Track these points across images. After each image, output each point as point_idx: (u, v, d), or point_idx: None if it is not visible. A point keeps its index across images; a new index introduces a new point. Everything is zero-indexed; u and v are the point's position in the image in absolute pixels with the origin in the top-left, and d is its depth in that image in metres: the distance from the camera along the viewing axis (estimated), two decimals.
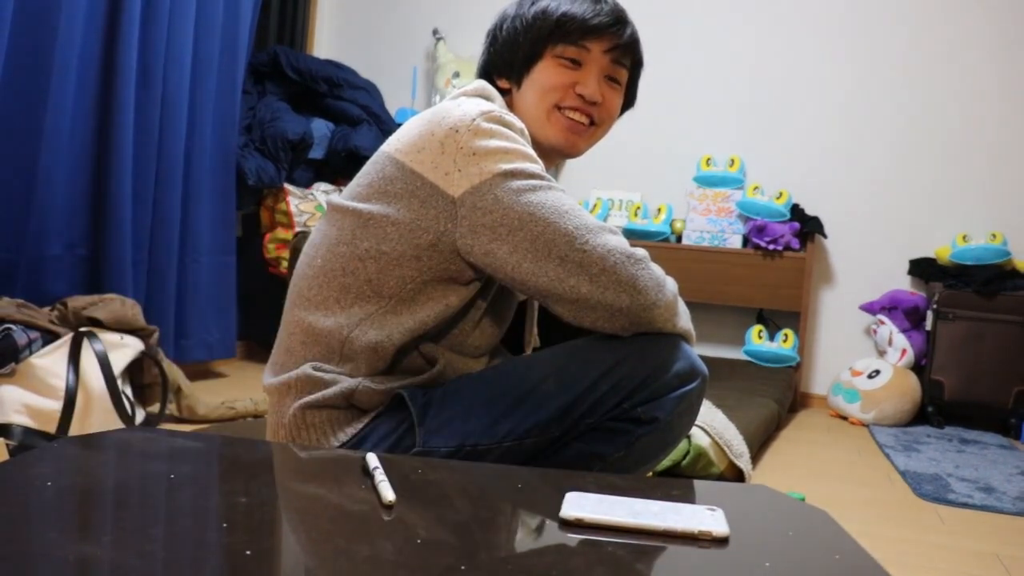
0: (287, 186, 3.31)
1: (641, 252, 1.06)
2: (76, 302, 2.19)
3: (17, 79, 2.29)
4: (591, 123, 1.20)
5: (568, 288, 1.02)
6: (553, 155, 1.22)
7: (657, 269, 1.07)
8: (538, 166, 1.07)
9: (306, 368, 1.06)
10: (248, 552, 0.62)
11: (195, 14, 2.85)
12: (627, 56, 1.21)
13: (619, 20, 1.18)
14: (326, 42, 4.14)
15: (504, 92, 1.22)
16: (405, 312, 1.06)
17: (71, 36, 2.38)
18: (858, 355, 3.46)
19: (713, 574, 0.67)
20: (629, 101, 1.28)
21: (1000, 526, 1.99)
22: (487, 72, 1.24)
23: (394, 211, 1.05)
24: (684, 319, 1.12)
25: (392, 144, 1.10)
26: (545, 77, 1.17)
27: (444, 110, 1.08)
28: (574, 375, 1.05)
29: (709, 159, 3.53)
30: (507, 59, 1.20)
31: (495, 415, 1.03)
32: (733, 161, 3.50)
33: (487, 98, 1.16)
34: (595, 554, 0.67)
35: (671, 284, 1.09)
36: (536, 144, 1.16)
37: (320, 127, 3.45)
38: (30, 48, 2.31)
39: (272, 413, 1.11)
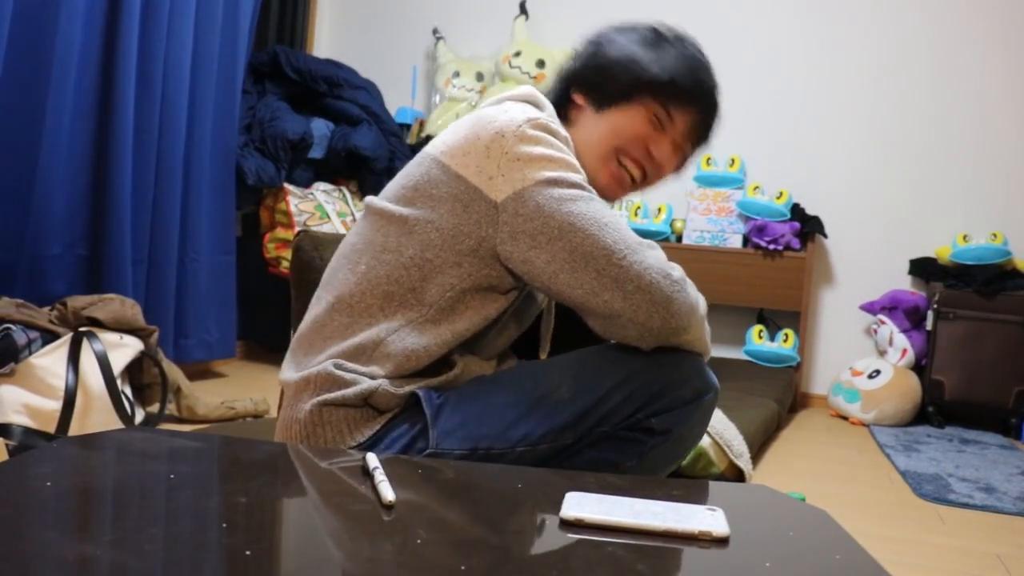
0: (287, 186, 3.31)
1: (678, 273, 1.05)
2: (76, 302, 2.19)
3: (16, 79, 2.28)
4: (643, 178, 1.20)
5: (601, 302, 1.02)
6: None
7: (693, 290, 1.06)
8: (581, 176, 1.07)
9: (328, 365, 1.06)
10: (248, 552, 0.62)
11: (195, 14, 2.85)
12: (703, 138, 1.23)
13: (715, 105, 1.20)
14: (326, 42, 4.14)
15: (572, 105, 1.21)
16: (444, 322, 1.06)
17: (71, 36, 2.38)
18: (858, 355, 3.46)
19: (713, 574, 0.67)
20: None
21: (1000, 526, 1.99)
22: (569, 81, 1.22)
23: (437, 216, 1.05)
24: (707, 338, 1.12)
25: (437, 147, 1.10)
26: (627, 122, 1.16)
27: (490, 115, 1.08)
28: (590, 383, 1.05)
29: (709, 159, 3.53)
30: (599, 83, 1.18)
31: (509, 419, 1.03)
32: (733, 161, 3.50)
33: (535, 105, 1.15)
34: (595, 554, 0.67)
35: (703, 306, 1.09)
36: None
37: (320, 127, 3.45)
38: (29, 47, 2.31)
39: (286, 408, 1.10)
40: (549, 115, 1.13)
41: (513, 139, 1.04)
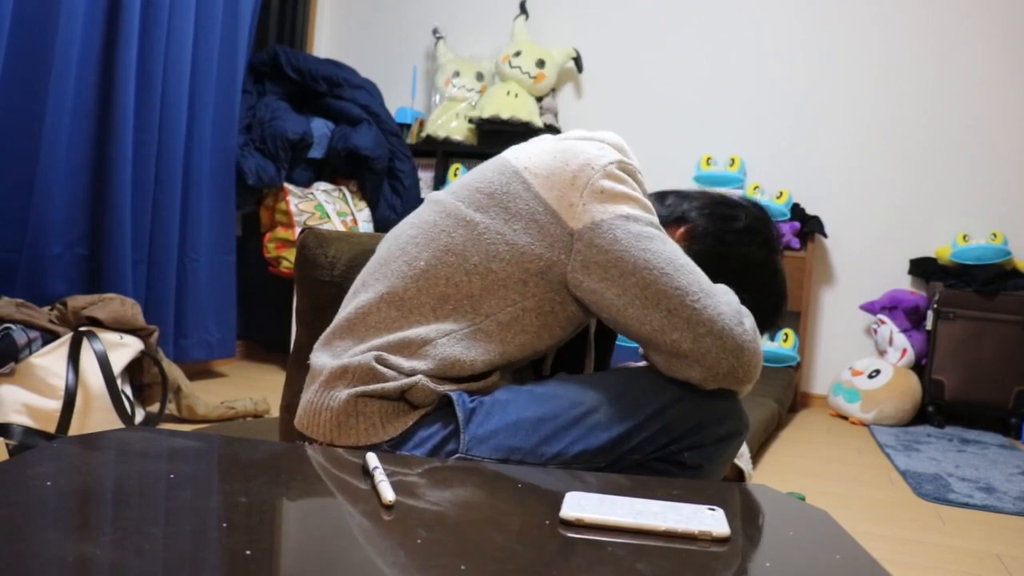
0: (287, 185, 3.31)
1: (750, 323, 1.04)
2: (76, 302, 2.19)
3: (16, 79, 2.29)
4: None
5: (670, 341, 1.01)
6: None
7: (760, 342, 1.06)
8: (657, 219, 1.07)
9: (369, 358, 1.05)
10: (248, 552, 0.62)
11: (195, 14, 2.85)
12: None
13: None
14: (326, 42, 4.14)
15: (672, 227, 1.22)
16: (496, 338, 1.06)
17: (71, 36, 2.39)
18: (858, 355, 3.46)
19: (713, 574, 0.67)
20: None
21: (1000, 526, 1.99)
22: (692, 227, 1.22)
23: (510, 230, 1.05)
24: None
25: (521, 161, 1.10)
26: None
27: (582, 147, 1.09)
28: (628, 408, 1.04)
29: (709, 159, 3.53)
30: (709, 264, 1.15)
31: (543, 435, 1.02)
32: (733, 161, 3.50)
33: (624, 154, 1.17)
34: (595, 554, 0.67)
35: (762, 353, 1.09)
36: None
37: (320, 126, 3.45)
38: (30, 48, 2.31)
39: (316, 393, 1.09)
40: (636, 165, 1.15)
41: (600, 173, 1.05)
